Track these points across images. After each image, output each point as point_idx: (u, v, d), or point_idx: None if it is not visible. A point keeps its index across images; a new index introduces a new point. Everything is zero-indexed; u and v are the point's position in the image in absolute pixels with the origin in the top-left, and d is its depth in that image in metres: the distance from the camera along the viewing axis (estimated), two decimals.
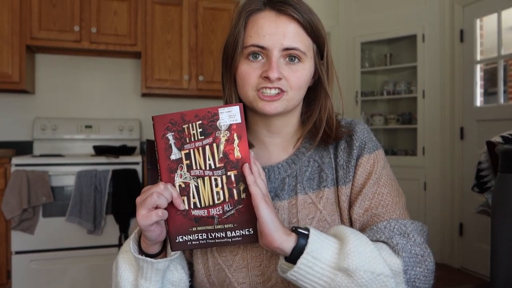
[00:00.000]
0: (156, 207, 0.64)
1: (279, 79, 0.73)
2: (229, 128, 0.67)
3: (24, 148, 3.15)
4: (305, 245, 0.63)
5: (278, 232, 0.63)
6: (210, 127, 0.67)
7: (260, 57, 0.75)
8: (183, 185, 0.67)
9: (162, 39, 3.19)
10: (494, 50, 3.05)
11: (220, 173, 0.67)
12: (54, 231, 2.60)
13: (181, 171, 0.67)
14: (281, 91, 0.74)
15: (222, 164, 0.67)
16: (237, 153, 0.67)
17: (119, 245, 2.71)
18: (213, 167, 0.67)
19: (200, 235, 0.68)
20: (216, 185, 0.67)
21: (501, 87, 3.00)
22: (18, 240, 2.54)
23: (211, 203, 0.67)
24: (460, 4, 3.22)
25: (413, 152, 3.65)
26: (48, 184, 2.56)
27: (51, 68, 3.26)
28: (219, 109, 0.67)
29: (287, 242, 0.64)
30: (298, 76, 0.75)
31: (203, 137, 0.67)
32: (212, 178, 0.67)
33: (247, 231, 0.68)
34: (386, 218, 0.75)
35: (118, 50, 3.13)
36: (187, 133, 0.67)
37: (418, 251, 0.70)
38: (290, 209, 0.78)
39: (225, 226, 0.68)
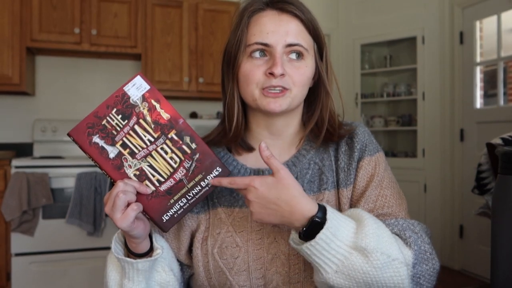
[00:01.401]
0: (128, 205, 0.64)
1: (283, 75, 0.73)
2: (144, 98, 0.67)
3: (24, 150, 3.15)
4: (319, 222, 0.63)
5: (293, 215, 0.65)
6: (127, 108, 0.67)
7: (263, 55, 0.75)
8: (137, 173, 0.68)
9: (162, 41, 3.19)
10: (493, 52, 3.05)
11: (162, 141, 0.68)
12: (54, 233, 2.59)
13: (126, 162, 0.68)
14: (284, 89, 0.74)
15: (159, 132, 0.68)
16: (165, 115, 0.68)
17: None
18: (152, 140, 0.68)
19: (181, 202, 0.70)
20: (166, 152, 0.68)
21: (501, 89, 3.00)
22: (18, 242, 2.54)
23: (171, 170, 0.69)
24: (460, 6, 3.22)
25: (413, 154, 3.65)
26: (48, 186, 2.55)
27: (52, 70, 3.26)
28: (124, 88, 0.67)
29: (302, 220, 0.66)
30: (301, 73, 0.75)
31: (126, 121, 0.67)
32: (158, 149, 0.68)
33: (215, 171, 0.70)
34: (393, 217, 0.75)
35: (118, 52, 3.13)
36: (110, 127, 0.67)
37: (428, 249, 0.71)
38: None
39: (196, 180, 0.70)
